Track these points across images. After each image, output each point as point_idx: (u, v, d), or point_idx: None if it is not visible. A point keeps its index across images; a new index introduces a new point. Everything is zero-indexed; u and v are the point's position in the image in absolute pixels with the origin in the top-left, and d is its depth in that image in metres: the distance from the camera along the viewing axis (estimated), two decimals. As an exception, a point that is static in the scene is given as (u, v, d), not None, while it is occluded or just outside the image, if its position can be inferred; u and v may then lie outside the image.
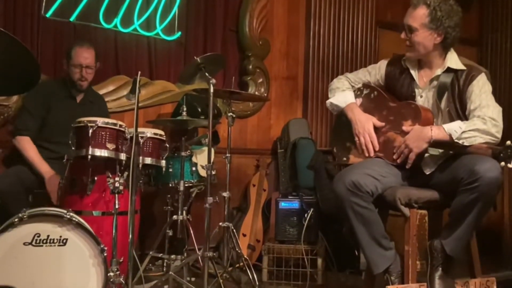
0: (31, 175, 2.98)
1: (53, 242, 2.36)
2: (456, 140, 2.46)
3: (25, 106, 3.23)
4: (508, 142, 2.32)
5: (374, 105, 2.81)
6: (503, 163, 2.36)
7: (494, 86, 2.63)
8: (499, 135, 2.50)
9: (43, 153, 3.11)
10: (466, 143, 2.47)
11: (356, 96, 2.86)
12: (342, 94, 2.86)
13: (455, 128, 2.47)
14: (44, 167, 3.02)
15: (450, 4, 2.60)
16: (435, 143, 2.56)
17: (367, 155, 2.71)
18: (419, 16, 2.60)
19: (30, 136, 3.13)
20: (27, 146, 3.09)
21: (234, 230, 3.23)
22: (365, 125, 2.73)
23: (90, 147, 2.65)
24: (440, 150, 2.64)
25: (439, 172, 2.63)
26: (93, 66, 3.29)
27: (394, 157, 2.64)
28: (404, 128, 2.62)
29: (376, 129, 2.74)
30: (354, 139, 2.81)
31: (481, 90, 2.55)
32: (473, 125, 2.47)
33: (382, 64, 2.87)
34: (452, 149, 2.57)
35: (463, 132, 2.46)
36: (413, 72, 2.74)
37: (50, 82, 3.37)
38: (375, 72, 2.87)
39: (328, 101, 2.90)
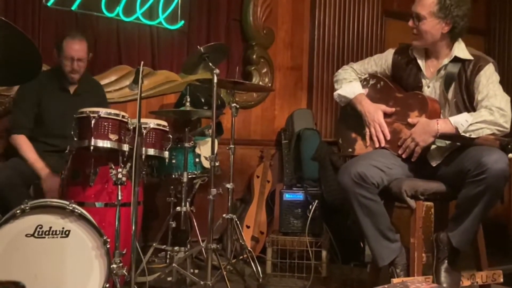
0: (29, 167, 2.96)
1: (55, 234, 2.35)
2: (463, 134, 2.43)
3: (17, 103, 3.17)
4: (516, 134, 2.29)
5: (380, 96, 2.78)
6: (510, 155, 2.34)
7: (501, 76, 2.60)
8: (507, 125, 2.47)
9: (41, 146, 3.08)
10: (473, 136, 2.45)
11: (362, 87, 2.83)
12: (350, 85, 2.82)
13: (461, 122, 2.45)
14: (40, 166, 2.98)
15: None
16: (441, 136, 2.54)
17: (377, 145, 2.69)
18: (428, 4, 2.56)
19: (25, 133, 3.08)
20: (23, 145, 3.04)
21: (238, 222, 3.22)
22: (375, 115, 2.70)
23: (92, 138, 2.63)
24: (447, 142, 2.61)
25: (446, 164, 2.60)
26: (84, 59, 3.21)
27: (400, 151, 2.62)
28: (410, 120, 2.60)
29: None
30: (359, 130, 2.79)
31: (488, 80, 2.52)
32: (480, 116, 2.44)
33: (389, 53, 2.83)
34: (459, 141, 2.54)
35: (470, 124, 2.43)
36: (420, 62, 2.70)
37: (41, 74, 3.31)
38: (382, 62, 2.84)
39: (336, 93, 2.87)
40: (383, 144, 2.68)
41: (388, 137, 2.68)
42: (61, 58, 3.17)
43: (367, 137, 2.74)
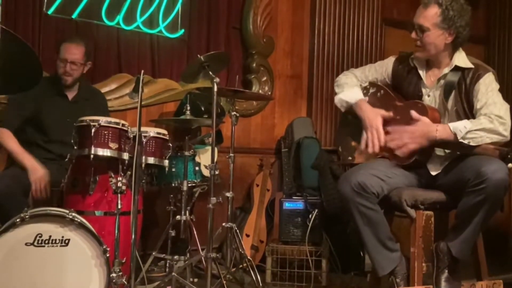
0: (27, 176, 2.94)
1: (55, 243, 2.34)
2: (460, 140, 2.43)
3: (11, 102, 3.16)
4: (517, 144, 2.29)
5: (381, 104, 2.77)
6: (510, 165, 2.33)
7: (501, 84, 2.60)
8: (507, 133, 2.46)
9: (40, 154, 3.07)
10: (472, 143, 2.43)
11: (363, 95, 2.82)
12: (352, 90, 2.80)
13: (460, 128, 2.44)
14: (26, 158, 2.93)
15: (461, 3, 2.57)
16: (441, 143, 2.53)
17: (370, 151, 2.67)
18: (430, 15, 2.56)
19: (9, 130, 3.03)
20: (7, 137, 3.00)
21: (238, 231, 3.21)
22: (373, 121, 2.68)
23: (92, 146, 2.64)
24: (447, 151, 2.60)
25: (445, 173, 2.60)
26: (79, 63, 3.21)
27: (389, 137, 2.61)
28: (413, 113, 2.56)
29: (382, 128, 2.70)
30: (359, 138, 2.78)
31: (487, 89, 2.52)
32: (479, 124, 2.44)
33: (390, 61, 2.83)
34: (459, 150, 2.53)
35: (468, 131, 2.42)
36: (421, 72, 2.70)
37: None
38: (382, 69, 2.83)
39: (337, 97, 2.84)
40: (377, 150, 2.66)
41: (383, 143, 2.66)
42: (57, 60, 3.20)
43: (363, 142, 2.73)
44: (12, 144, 2.99)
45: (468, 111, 2.57)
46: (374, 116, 2.70)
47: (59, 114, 3.16)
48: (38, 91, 3.07)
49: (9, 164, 3.11)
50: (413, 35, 2.64)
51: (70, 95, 3.28)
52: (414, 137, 2.54)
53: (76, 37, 3.34)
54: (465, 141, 2.43)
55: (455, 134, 2.45)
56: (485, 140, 2.43)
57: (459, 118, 2.58)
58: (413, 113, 2.56)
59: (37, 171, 2.89)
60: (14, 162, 3.01)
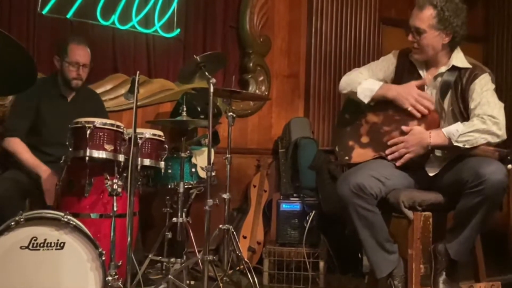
0: (27, 178, 2.92)
1: (50, 246, 2.32)
2: (455, 144, 2.43)
3: (14, 107, 3.14)
4: (516, 145, 2.29)
5: (380, 105, 2.74)
6: (509, 166, 2.33)
7: (499, 83, 2.61)
8: (501, 132, 2.46)
9: (38, 156, 3.04)
10: (467, 145, 2.44)
11: None
12: (369, 81, 2.72)
13: (453, 132, 2.45)
14: (39, 166, 2.93)
15: (455, 2, 2.55)
16: (436, 147, 2.52)
17: (426, 112, 2.57)
18: (426, 17, 2.54)
19: (19, 137, 3.02)
20: (18, 147, 2.99)
21: (234, 233, 3.19)
22: (408, 90, 2.61)
23: (87, 148, 2.61)
24: (445, 152, 2.59)
25: (443, 174, 2.59)
26: (88, 65, 3.19)
27: (387, 151, 2.60)
28: (404, 128, 2.58)
29: (380, 128, 2.69)
30: (356, 137, 2.77)
31: (482, 89, 2.52)
32: (472, 126, 2.44)
33: (394, 56, 2.79)
34: (458, 152, 2.52)
35: (461, 134, 2.42)
36: (421, 71, 2.69)
37: (39, 81, 3.26)
38: (388, 64, 2.78)
39: (359, 87, 2.70)
40: (432, 108, 2.58)
41: (433, 100, 2.59)
42: (65, 63, 3.12)
43: (414, 111, 2.60)
44: (26, 155, 2.97)
45: (464, 111, 2.57)
46: (406, 87, 2.63)
47: (58, 115, 3.12)
48: (37, 93, 3.05)
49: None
50: (410, 37, 2.62)
51: (69, 96, 3.25)
52: (408, 147, 2.55)
53: (78, 37, 3.28)
54: (460, 144, 2.43)
55: (449, 139, 2.45)
56: (480, 141, 2.44)
57: (455, 118, 2.58)
58: (403, 127, 2.58)
59: (51, 181, 2.86)
60: (10, 165, 2.98)
